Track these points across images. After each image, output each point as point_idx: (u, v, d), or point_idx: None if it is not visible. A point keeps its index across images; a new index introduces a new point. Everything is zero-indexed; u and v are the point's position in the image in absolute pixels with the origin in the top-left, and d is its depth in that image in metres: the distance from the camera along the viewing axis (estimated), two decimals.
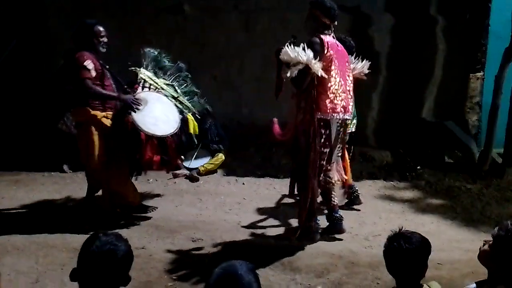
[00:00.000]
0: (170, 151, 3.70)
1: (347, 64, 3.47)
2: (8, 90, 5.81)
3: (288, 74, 3.15)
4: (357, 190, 4.27)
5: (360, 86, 5.70)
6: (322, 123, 3.29)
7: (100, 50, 3.65)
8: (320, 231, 3.52)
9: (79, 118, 3.68)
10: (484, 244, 1.82)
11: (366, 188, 4.83)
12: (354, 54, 3.73)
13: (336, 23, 3.38)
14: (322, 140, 3.32)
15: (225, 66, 5.88)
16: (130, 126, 3.55)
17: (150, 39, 5.57)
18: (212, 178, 5.13)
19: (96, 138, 3.57)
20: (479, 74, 5.80)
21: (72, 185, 4.83)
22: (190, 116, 3.91)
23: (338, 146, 3.47)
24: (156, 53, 3.98)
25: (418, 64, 5.76)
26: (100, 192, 3.85)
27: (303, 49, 3.15)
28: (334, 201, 3.55)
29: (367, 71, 3.76)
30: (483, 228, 3.86)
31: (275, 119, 3.79)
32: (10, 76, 5.84)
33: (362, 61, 3.71)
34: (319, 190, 3.48)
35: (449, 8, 5.54)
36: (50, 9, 5.83)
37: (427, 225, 3.91)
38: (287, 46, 3.18)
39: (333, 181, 3.52)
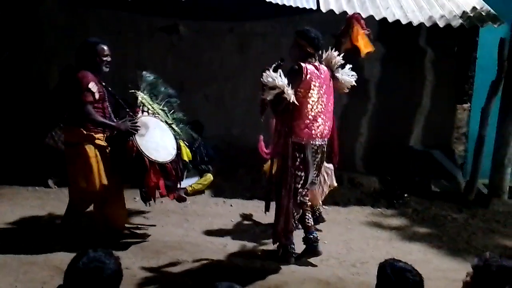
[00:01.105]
0: (172, 177, 3.60)
1: (330, 89, 3.51)
2: None
3: (266, 97, 3.30)
4: (318, 208, 4.20)
5: (350, 111, 5.85)
6: (296, 147, 3.38)
7: (103, 70, 3.55)
8: (294, 254, 3.54)
9: (72, 138, 3.52)
10: (466, 276, 1.83)
11: (354, 214, 4.84)
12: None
13: (320, 52, 3.50)
14: (297, 164, 3.40)
15: (217, 87, 5.92)
16: (135, 151, 3.43)
17: (145, 58, 5.63)
18: (199, 198, 5.09)
19: (93, 160, 3.44)
20: (466, 106, 5.93)
21: (56, 201, 4.73)
22: (182, 143, 3.87)
23: (314, 171, 3.50)
24: (152, 77, 3.93)
25: (407, 93, 5.88)
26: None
27: (280, 75, 3.26)
28: (309, 223, 3.57)
29: (352, 83, 3.67)
30: (468, 258, 3.86)
31: (261, 137, 3.85)
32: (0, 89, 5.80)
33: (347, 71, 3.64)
34: (295, 212, 3.51)
35: (438, 40, 5.69)
36: (45, 24, 5.83)
37: (414, 253, 3.91)
38: (269, 70, 3.32)
39: (308, 204, 3.59)
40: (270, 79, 3.24)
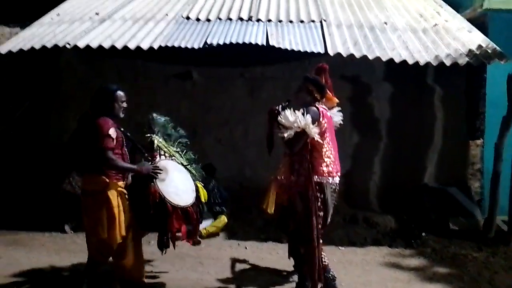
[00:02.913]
0: (193, 221, 3.52)
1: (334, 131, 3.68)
2: (15, 150, 5.93)
3: (286, 135, 3.33)
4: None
5: (361, 151, 5.87)
6: (317, 187, 3.40)
7: (120, 116, 3.50)
8: None
9: (93, 186, 3.33)
10: None
11: (371, 255, 4.74)
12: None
13: (324, 99, 3.64)
14: (318, 204, 3.40)
15: (229, 130, 6.03)
16: (158, 197, 3.35)
17: (159, 103, 5.80)
18: (214, 241, 5.05)
19: (116, 210, 3.28)
20: (478, 141, 5.92)
21: (72, 246, 4.75)
22: (199, 184, 3.79)
23: (331, 211, 3.51)
24: (163, 119, 3.90)
25: (418, 131, 5.91)
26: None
27: (302, 114, 3.36)
28: (325, 261, 3.55)
29: (340, 122, 3.86)
30: None
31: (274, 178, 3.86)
32: (19, 136, 5.99)
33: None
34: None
35: (446, 78, 5.77)
36: (64, 72, 6.10)
37: None
38: (286, 109, 3.42)
39: (322, 243, 3.54)
40: (291, 118, 3.31)
